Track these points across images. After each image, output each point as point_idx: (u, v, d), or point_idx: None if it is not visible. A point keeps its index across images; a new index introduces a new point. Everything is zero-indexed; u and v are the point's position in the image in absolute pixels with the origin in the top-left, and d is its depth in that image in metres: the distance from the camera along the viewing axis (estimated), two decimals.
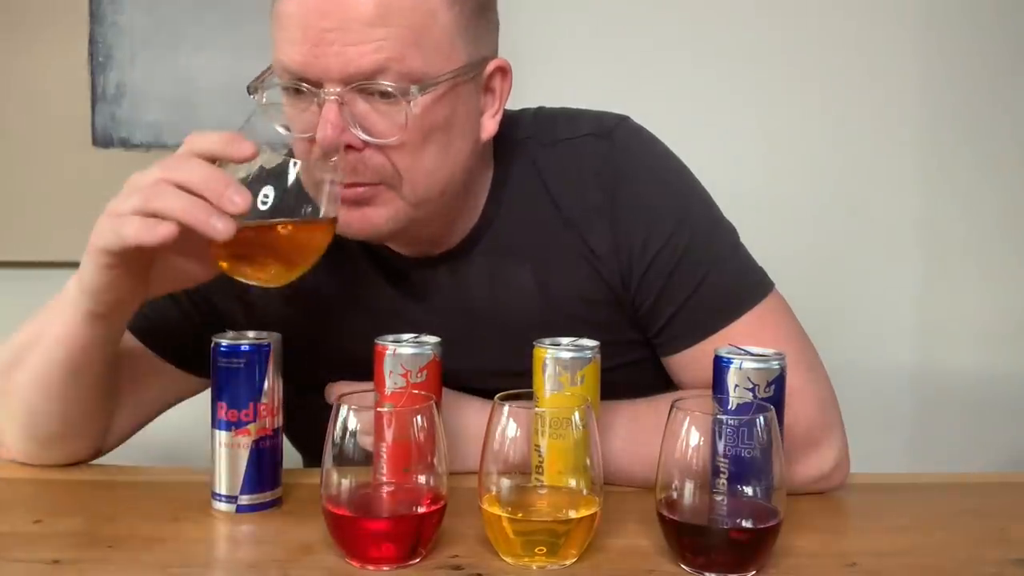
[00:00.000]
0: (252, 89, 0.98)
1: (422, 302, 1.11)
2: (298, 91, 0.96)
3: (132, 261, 0.90)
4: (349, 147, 0.95)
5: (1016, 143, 1.91)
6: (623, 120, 1.12)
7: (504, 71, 1.04)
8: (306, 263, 0.92)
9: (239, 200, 0.84)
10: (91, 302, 0.95)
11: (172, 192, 0.86)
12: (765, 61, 1.89)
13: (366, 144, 0.96)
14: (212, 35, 1.86)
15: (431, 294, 1.10)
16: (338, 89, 0.93)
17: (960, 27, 1.89)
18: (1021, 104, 1.91)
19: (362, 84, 0.93)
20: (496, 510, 0.83)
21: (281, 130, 0.99)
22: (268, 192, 0.87)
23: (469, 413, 1.03)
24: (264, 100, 0.98)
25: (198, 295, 1.12)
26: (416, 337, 0.95)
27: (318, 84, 0.94)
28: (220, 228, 0.84)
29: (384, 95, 0.94)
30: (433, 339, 0.96)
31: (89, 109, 1.86)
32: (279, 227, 0.89)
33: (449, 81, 0.97)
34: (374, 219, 0.99)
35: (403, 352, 0.93)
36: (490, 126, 1.04)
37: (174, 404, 1.17)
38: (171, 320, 1.11)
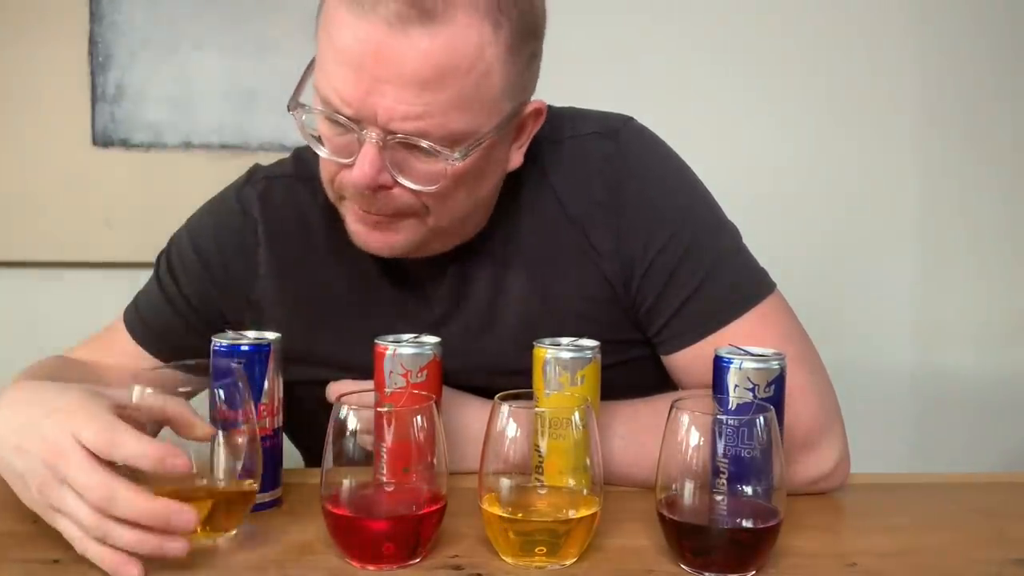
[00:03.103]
0: (292, 108, 0.98)
1: (428, 300, 1.11)
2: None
3: None
4: (381, 187, 0.96)
5: (1016, 142, 1.91)
6: (628, 121, 1.13)
7: (540, 113, 1.04)
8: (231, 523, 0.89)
9: (187, 517, 0.79)
10: None
11: (117, 529, 0.79)
12: (763, 61, 1.89)
13: (398, 185, 0.96)
14: (212, 35, 1.86)
15: (437, 292, 1.11)
16: (380, 132, 0.93)
17: (959, 26, 1.89)
18: (1020, 103, 1.91)
19: (403, 139, 0.93)
20: (496, 510, 0.83)
21: (305, 136, 0.99)
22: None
23: (469, 413, 1.03)
24: (304, 121, 0.98)
25: (202, 304, 1.13)
26: (416, 337, 0.95)
27: (359, 121, 0.94)
28: (176, 547, 0.80)
29: (425, 151, 0.94)
30: (433, 339, 0.95)
31: (89, 109, 1.86)
32: (209, 493, 0.87)
33: (491, 136, 0.97)
34: (393, 241, 1.02)
35: (403, 352, 0.93)
36: (516, 158, 1.06)
37: None
38: (174, 329, 1.12)
